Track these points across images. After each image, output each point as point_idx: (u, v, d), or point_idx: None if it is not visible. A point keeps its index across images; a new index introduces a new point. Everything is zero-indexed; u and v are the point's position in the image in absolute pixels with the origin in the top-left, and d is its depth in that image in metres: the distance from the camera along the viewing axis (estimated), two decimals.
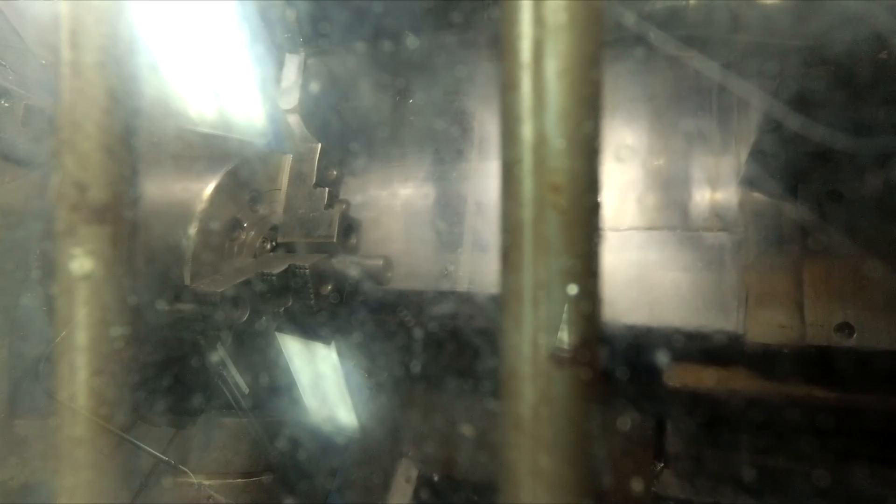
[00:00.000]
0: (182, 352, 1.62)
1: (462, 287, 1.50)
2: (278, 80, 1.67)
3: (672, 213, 1.34)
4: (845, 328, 1.13)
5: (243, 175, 1.65)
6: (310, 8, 1.63)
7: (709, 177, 1.33)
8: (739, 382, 1.25)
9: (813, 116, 1.00)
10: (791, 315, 1.18)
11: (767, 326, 1.19)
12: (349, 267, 1.58)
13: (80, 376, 0.68)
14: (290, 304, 1.59)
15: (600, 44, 0.48)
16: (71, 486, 0.69)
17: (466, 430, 1.69)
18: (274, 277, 1.51)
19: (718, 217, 1.29)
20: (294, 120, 1.67)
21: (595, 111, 0.48)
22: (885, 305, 1.11)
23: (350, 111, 1.80)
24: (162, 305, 1.44)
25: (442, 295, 1.52)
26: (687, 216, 1.32)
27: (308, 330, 1.66)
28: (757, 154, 1.24)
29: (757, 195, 1.26)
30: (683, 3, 1.27)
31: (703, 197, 1.32)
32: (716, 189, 1.32)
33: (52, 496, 0.69)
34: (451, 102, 1.70)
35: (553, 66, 0.46)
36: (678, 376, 1.30)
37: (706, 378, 1.28)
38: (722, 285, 1.24)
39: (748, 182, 1.27)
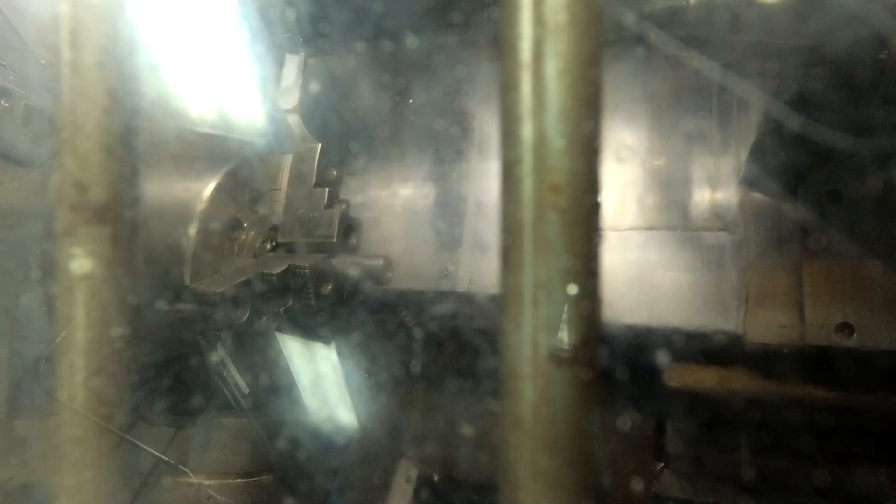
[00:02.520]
0: (182, 352, 1.62)
1: (462, 287, 1.50)
2: (278, 80, 1.67)
3: (672, 213, 1.34)
4: (845, 328, 1.13)
5: (243, 175, 1.65)
6: (310, 8, 1.63)
7: (708, 177, 1.32)
8: (739, 382, 1.25)
9: (813, 116, 1.00)
10: (791, 315, 1.18)
11: (767, 326, 1.19)
12: (349, 267, 1.58)
13: (80, 376, 0.68)
14: (290, 304, 1.59)
15: (600, 44, 0.48)
16: (71, 486, 0.69)
17: (466, 430, 1.69)
18: (274, 277, 1.51)
19: (718, 217, 1.29)
20: (294, 120, 1.67)
21: (595, 111, 0.48)
22: (885, 305, 1.11)
23: (350, 111, 1.80)
24: (162, 305, 1.44)
25: (442, 295, 1.52)
26: (687, 216, 1.32)
27: (308, 330, 1.66)
28: (756, 154, 1.24)
29: (757, 195, 1.26)
30: (683, 3, 1.26)
31: (702, 197, 1.32)
32: (715, 189, 1.31)
33: (52, 496, 0.69)
34: (451, 102, 1.70)
35: (553, 66, 0.46)
36: (678, 376, 1.30)
37: (706, 378, 1.28)
38: (722, 285, 1.24)
39: (748, 182, 1.27)
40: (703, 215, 1.31)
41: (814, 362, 1.16)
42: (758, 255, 1.23)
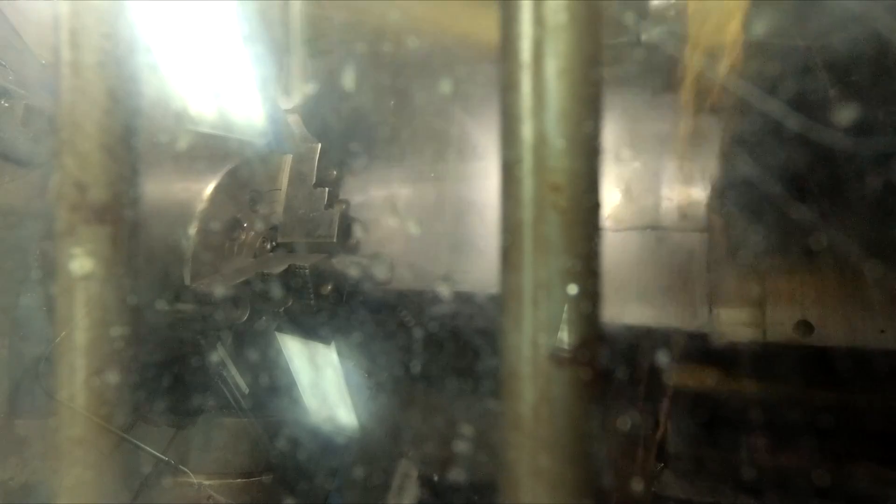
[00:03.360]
0: (182, 352, 1.62)
1: (462, 287, 1.50)
2: (278, 80, 1.67)
3: (642, 214, 1.34)
4: (804, 326, 1.14)
5: (243, 175, 1.65)
6: (310, 8, 1.63)
7: (678, 177, 1.33)
8: (707, 380, 1.27)
9: (789, 117, 1.00)
10: (753, 313, 1.19)
11: (731, 325, 1.20)
12: (349, 267, 1.58)
13: (80, 376, 0.68)
14: (290, 304, 1.59)
15: (600, 44, 0.48)
16: (71, 486, 0.69)
17: (466, 430, 1.69)
18: (274, 277, 1.51)
19: (686, 217, 1.29)
20: (294, 120, 1.67)
21: (595, 111, 0.48)
22: (843, 304, 1.12)
23: (350, 111, 1.80)
24: (162, 305, 1.44)
25: (442, 295, 1.52)
26: (656, 216, 1.33)
27: (308, 330, 1.66)
28: (725, 156, 1.25)
29: (723, 195, 1.26)
30: (684, 3, 1.27)
31: (672, 197, 1.33)
32: (685, 189, 1.32)
33: (52, 496, 0.69)
34: (452, 102, 1.70)
35: (553, 66, 0.46)
36: (647, 374, 1.31)
37: (675, 376, 1.29)
38: (689, 284, 1.25)
39: (718, 182, 1.27)
40: (671, 215, 1.31)
41: (776, 360, 1.17)
42: (724, 254, 1.24)
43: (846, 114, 1.01)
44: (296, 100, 1.64)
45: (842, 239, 1.12)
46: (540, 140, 0.47)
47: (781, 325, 1.16)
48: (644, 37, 1.21)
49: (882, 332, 1.09)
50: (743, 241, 1.22)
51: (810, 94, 1.07)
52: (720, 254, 1.23)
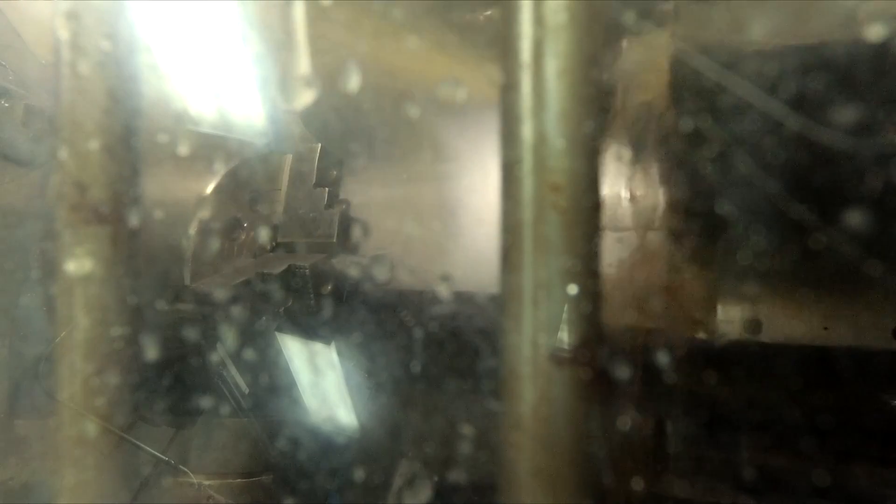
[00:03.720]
0: (182, 352, 1.62)
1: (462, 287, 1.50)
2: (278, 80, 1.67)
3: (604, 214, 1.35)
4: (753, 324, 1.15)
5: (243, 175, 1.65)
6: (310, 8, 1.63)
7: (636, 176, 1.33)
8: (659, 377, 1.28)
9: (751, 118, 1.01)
10: (704, 311, 1.19)
11: (684, 322, 1.21)
12: (349, 267, 1.58)
13: (80, 376, 0.68)
14: (290, 304, 1.59)
15: (600, 44, 0.48)
16: (71, 486, 0.69)
17: (466, 430, 1.69)
18: (274, 277, 1.51)
19: (643, 217, 1.30)
20: (294, 120, 1.67)
21: (595, 111, 0.48)
22: (791, 302, 1.14)
23: (350, 111, 1.80)
24: (162, 305, 1.44)
25: (441, 295, 1.52)
26: (614, 216, 1.33)
27: (308, 330, 1.66)
28: (683, 153, 1.25)
29: (681, 195, 1.27)
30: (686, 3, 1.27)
31: (630, 197, 1.33)
32: (642, 189, 1.32)
33: (53, 496, 0.69)
34: (451, 102, 1.70)
35: (553, 66, 0.46)
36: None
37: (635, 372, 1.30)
38: (645, 282, 1.26)
39: (672, 181, 1.27)
40: (628, 215, 1.32)
41: (725, 357, 1.18)
42: (678, 251, 1.24)
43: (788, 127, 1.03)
44: (296, 100, 1.64)
45: (790, 240, 1.13)
46: (540, 140, 0.47)
47: (732, 322, 1.17)
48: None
49: (825, 329, 1.12)
50: (697, 240, 1.23)
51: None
52: (674, 253, 1.24)
